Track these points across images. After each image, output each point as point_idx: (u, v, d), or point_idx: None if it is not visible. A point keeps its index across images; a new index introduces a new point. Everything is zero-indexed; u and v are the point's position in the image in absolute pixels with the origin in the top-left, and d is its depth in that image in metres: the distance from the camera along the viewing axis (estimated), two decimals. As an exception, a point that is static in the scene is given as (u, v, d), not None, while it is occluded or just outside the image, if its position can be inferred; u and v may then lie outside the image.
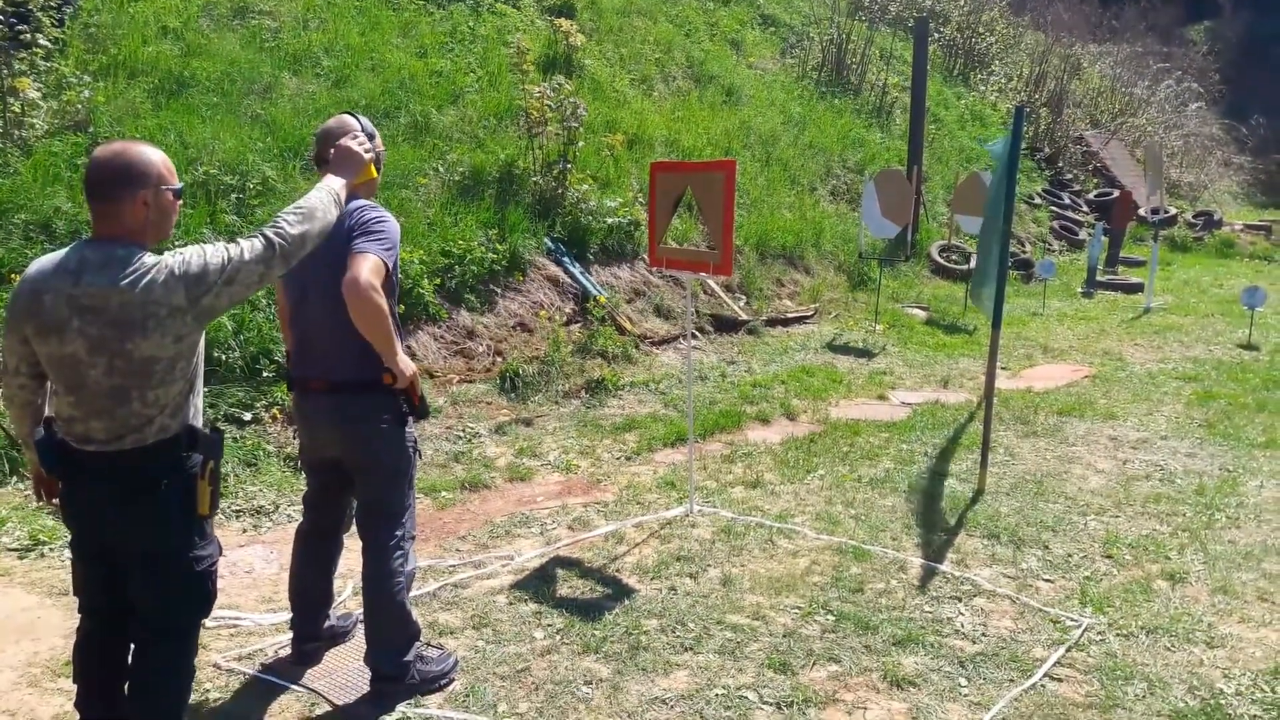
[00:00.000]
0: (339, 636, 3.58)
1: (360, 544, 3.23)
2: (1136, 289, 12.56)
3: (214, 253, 2.32)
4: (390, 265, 2.96)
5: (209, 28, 8.53)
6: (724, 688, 3.32)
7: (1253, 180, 26.96)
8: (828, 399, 7.24)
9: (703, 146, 10.90)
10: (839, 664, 3.51)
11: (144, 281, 2.23)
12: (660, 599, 3.98)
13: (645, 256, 8.53)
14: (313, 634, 3.46)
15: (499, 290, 7.53)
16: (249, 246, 2.35)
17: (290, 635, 3.51)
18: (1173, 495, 5.31)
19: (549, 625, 3.75)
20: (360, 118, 3.13)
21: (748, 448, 6.08)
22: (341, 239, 2.88)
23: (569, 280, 8.11)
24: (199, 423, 2.46)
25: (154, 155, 2.34)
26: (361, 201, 3.05)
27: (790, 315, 9.68)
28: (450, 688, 3.31)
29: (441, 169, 8.17)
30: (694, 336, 8.74)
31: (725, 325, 9.02)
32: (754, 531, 4.72)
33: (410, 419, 3.17)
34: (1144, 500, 5.23)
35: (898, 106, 14.92)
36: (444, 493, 5.18)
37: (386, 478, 3.19)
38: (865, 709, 3.24)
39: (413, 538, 3.29)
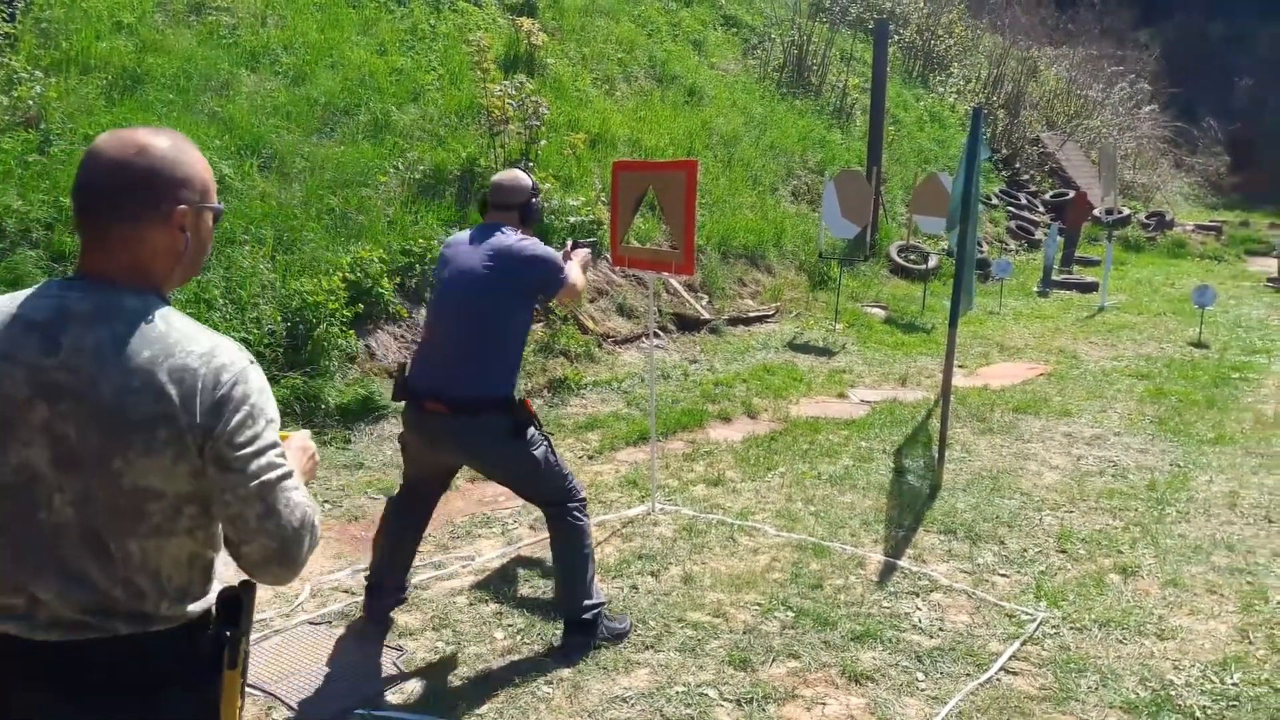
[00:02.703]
0: (403, 600, 3.84)
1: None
2: (1091, 288, 12.78)
3: (266, 412, 1.52)
4: None
5: (164, 23, 8.39)
6: (684, 685, 3.34)
7: (1203, 181, 27.52)
8: (788, 397, 7.30)
9: (665, 146, 10.92)
10: (798, 660, 3.54)
11: (173, 360, 1.45)
12: (621, 597, 3.99)
13: (608, 256, 8.55)
14: (399, 585, 3.77)
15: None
16: (302, 500, 1.54)
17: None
18: (1125, 490, 5.42)
19: (510, 625, 3.75)
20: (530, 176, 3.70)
21: (709, 446, 6.11)
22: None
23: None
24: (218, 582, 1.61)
25: (195, 155, 1.56)
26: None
27: (752, 314, 9.74)
28: (407, 688, 3.29)
29: (402, 167, 8.11)
30: (657, 335, 8.76)
31: (688, 324, 9.05)
32: (715, 529, 4.75)
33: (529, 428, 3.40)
34: (1097, 495, 5.32)
35: (858, 108, 15.05)
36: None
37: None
38: (824, 704, 3.28)
39: (583, 499, 3.58)
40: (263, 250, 6.65)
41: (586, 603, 3.50)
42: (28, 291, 1.53)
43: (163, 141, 1.52)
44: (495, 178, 3.59)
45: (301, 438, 1.77)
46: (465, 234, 3.54)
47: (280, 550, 1.50)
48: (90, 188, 1.50)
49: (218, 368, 1.47)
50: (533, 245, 3.43)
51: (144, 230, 1.50)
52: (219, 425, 1.45)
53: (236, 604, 1.57)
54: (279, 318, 6.23)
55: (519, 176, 3.58)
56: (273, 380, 5.87)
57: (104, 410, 1.42)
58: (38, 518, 1.45)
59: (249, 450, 1.47)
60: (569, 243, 3.96)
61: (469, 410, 3.26)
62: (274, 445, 1.50)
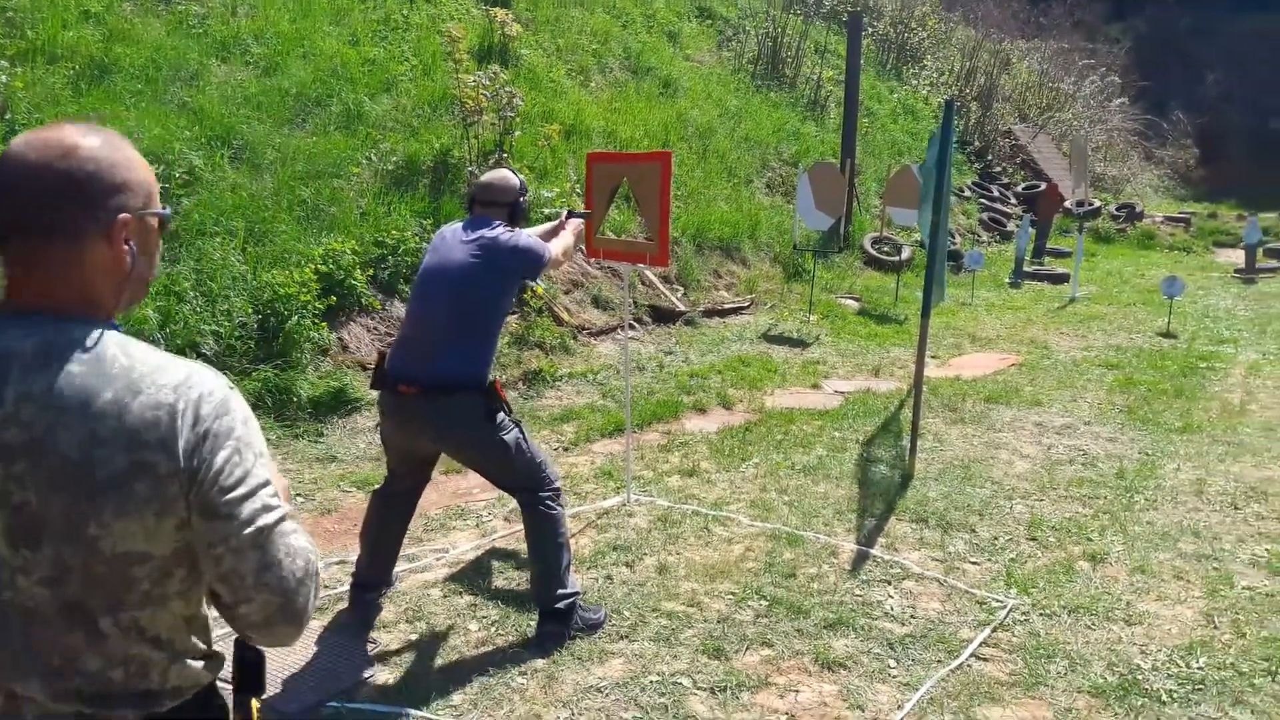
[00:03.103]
0: (388, 594, 3.85)
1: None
2: (1062, 279, 12.89)
3: (255, 457, 1.31)
4: None
5: (132, 12, 8.28)
6: (658, 674, 3.35)
7: (1173, 174, 27.81)
8: (763, 388, 7.32)
9: (640, 138, 10.91)
10: (771, 648, 3.56)
11: (143, 398, 1.24)
12: (596, 588, 3.99)
13: (583, 247, 8.54)
14: (384, 579, 3.79)
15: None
16: (304, 545, 1.35)
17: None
18: (1094, 479, 5.48)
19: (484, 617, 3.75)
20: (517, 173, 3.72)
21: (685, 437, 6.13)
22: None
23: (505, 271, 8.06)
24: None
25: (133, 154, 1.33)
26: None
27: (727, 306, 9.76)
28: (381, 680, 3.29)
29: (375, 158, 8.06)
30: (632, 327, 8.76)
31: (663, 316, 9.06)
32: (690, 519, 4.76)
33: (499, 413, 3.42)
34: (1067, 484, 5.38)
35: (832, 100, 15.09)
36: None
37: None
38: (797, 691, 3.30)
39: (557, 488, 3.58)
40: (234, 242, 6.59)
41: (560, 592, 3.50)
42: None
43: (93, 140, 1.27)
44: (484, 177, 3.67)
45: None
46: (457, 224, 3.60)
47: (284, 606, 1.29)
48: (11, 202, 1.24)
49: (196, 399, 1.25)
50: (518, 235, 3.50)
51: (82, 247, 1.26)
52: (204, 467, 1.24)
53: (257, 666, 1.42)
54: (250, 310, 6.18)
55: (508, 176, 3.65)
56: (244, 373, 5.87)
57: (68, 468, 1.20)
58: (0, 602, 1.23)
59: (239, 493, 1.26)
60: (565, 211, 4.12)
61: (442, 390, 3.28)
62: (265, 483, 1.29)
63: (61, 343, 1.24)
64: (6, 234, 1.26)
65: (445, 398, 3.29)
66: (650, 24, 14.04)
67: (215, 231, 6.59)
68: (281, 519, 1.31)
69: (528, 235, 3.54)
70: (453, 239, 3.48)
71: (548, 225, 4.06)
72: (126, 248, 1.30)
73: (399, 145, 8.30)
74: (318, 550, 1.40)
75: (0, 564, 1.23)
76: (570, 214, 4.07)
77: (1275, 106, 30.11)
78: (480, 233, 3.45)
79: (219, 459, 1.25)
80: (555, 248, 3.66)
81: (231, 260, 6.44)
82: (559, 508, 3.55)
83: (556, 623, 3.50)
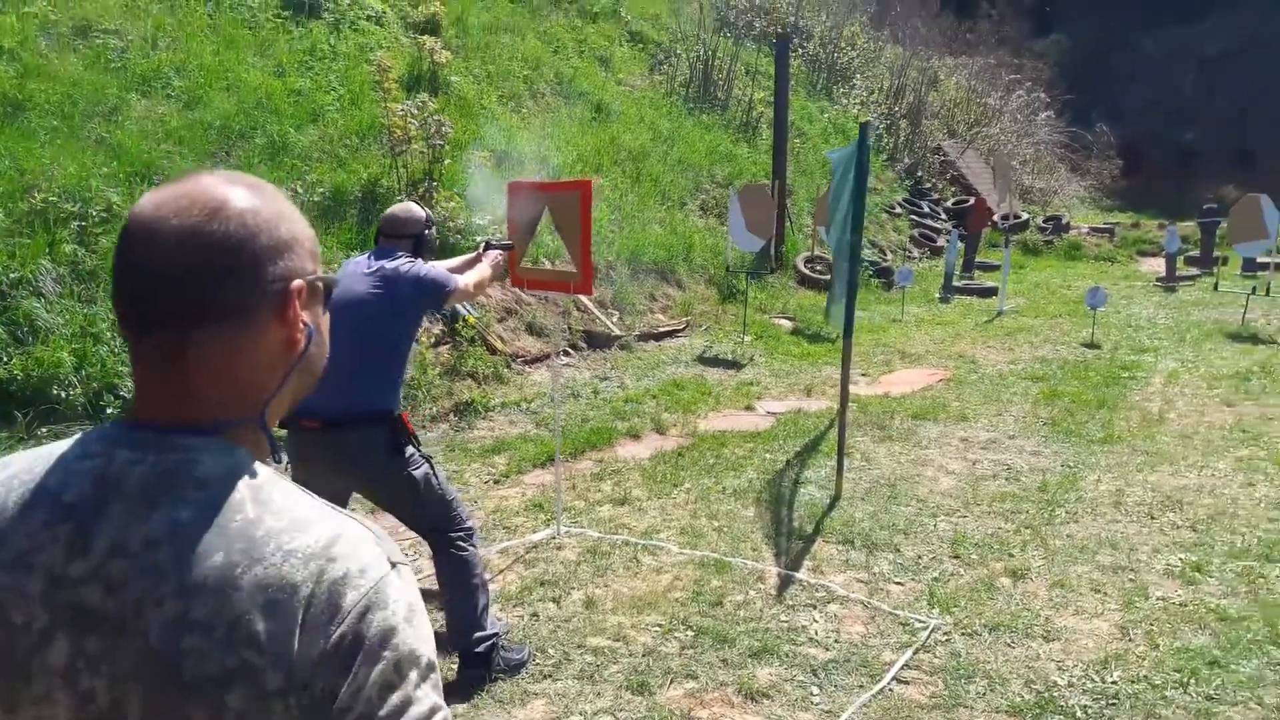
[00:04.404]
0: None
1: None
2: (991, 293, 13.17)
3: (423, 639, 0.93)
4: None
5: (48, 48, 8.11)
6: (581, 714, 3.34)
7: (1098, 185, 28.62)
8: (697, 411, 7.36)
9: (573, 163, 10.95)
10: (696, 680, 3.57)
11: (260, 570, 0.87)
12: (522, 626, 3.97)
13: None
14: None
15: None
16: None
17: None
18: (1017, 493, 5.60)
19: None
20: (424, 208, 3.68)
21: (618, 464, 6.13)
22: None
23: (436, 301, 8.01)
24: None
25: (290, 205, 1.05)
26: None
27: (662, 330, 9.81)
28: None
29: (301, 189, 7.97)
30: (567, 353, 8.76)
31: (598, 341, 9.07)
32: (619, 550, 4.76)
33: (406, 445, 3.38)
34: (990, 499, 5.49)
35: (764, 121, 15.28)
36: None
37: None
38: (720, 724, 3.31)
39: (469, 528, 3.55)
40: (154, 280, 6.46)
41: (478, 635, 3.48)
42: (62, 446, 0.97)
43: (240, 191, 0.97)
44: (389, 210, 3.66)
45: None
46: (361, 257, 3.58)
47: None
48: (148, 283, 0.93)
49: (337, 581, 0.88)
50: (418, 266, 3.48)
51: (242, 328, 0.95)
52: (341, 688, 0.86)
53: None
54: (171, 350, 6.06)
55: (412, 209, 3.63)
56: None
57: (150, 657, 0.86)
58: None
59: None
60: (483, 243, 4.12)
61: (345, 424, 3.25)
62: (433, 712, 0.90)
63: (181, 473, 0.91)
64: (144, 326, 0.94)
65: (350, 431, 3.26)
66: (582, 49, 14.12)
67: (134, 270, 6.45)
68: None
69: (429, 266, 3.51)
70: (355, 271, 3.46)
71: (466, 257, 4.06)
72: (301, 323, 0.99)
73: (326, 176, 8.23)
74: None
75: None
76: (488, 245, 4.08)
77: (1192, 118, 31.18)
78: (381, 264, 3.43)
79: (368, 681, 0.87)
80: (468, 279, 3.65)
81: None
82: (471, 548, 3.52)
83: (476, 666, 3.48)
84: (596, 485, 5.76)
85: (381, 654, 0.87)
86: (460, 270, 3.81)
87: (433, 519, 3.46)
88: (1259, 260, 12.84)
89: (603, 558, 4.67)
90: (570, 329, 8.91)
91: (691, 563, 4.62)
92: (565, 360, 8.64)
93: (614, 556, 4.69)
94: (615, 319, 9.60)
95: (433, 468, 3.45)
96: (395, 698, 0.87)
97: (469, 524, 3.55)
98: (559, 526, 5.02)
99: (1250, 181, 12.66)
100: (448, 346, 7.68)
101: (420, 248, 3.58)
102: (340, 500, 3.65)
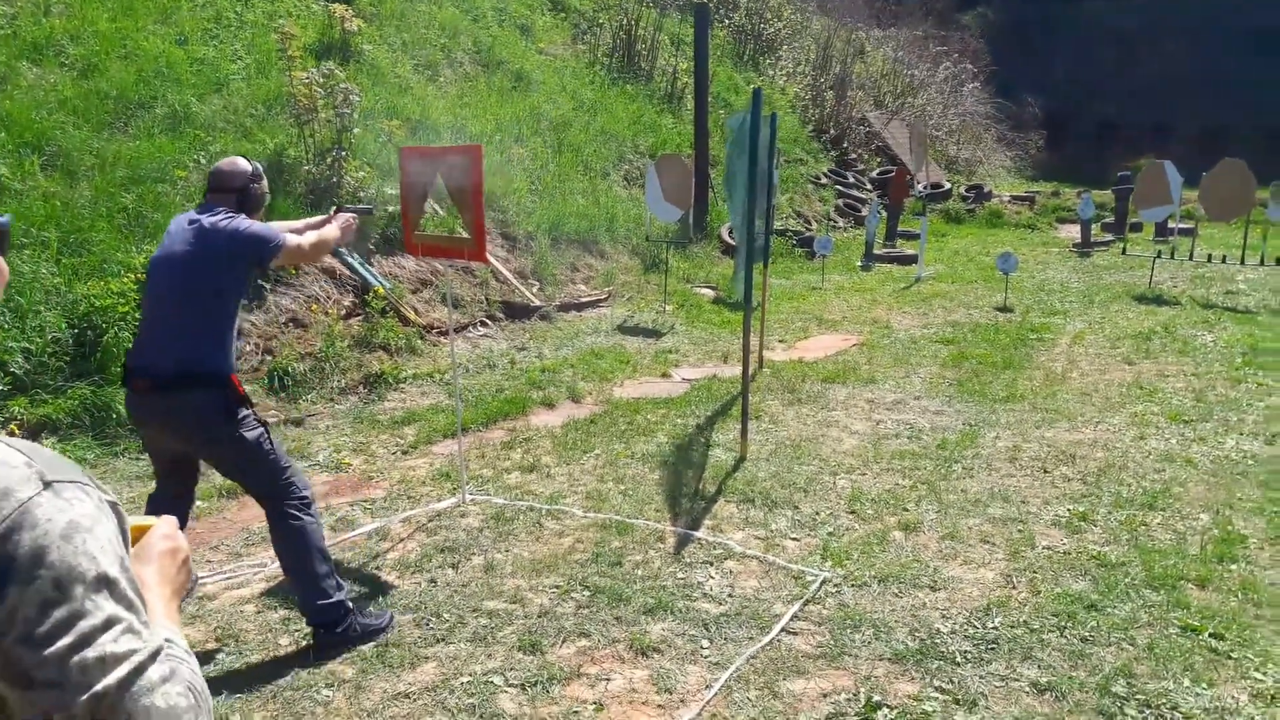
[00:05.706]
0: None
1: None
2: (911, 260, 13.36)
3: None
4: None
5: (-72, 12, 7.77)
6: (470, 675, 3.35)
7: (1023, 155, 29.15)
8: (614, 380, 7.37)
9: (492, 132, 10.83)
10: (588, 638, 3.60)
11: None
12: (418, 593, 3.96)
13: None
14: None
15: (268, 285, 7.23)
16: (178, 697, 0.95)
17: None
18: (917, 451, 5.71)
19: (297, 631, 3.66)
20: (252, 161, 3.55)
21: (529, 433, 6.12)
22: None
23: (347, 272, 7.90)
24: None
25: None
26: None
27: (584, 300, 9.78)
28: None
29: (203, 160, 7.76)
30: (484, 324, 8.70)
31: (517, 312, 9.02)
32: (523, 516, 4.77)
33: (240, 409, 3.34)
34: (890, 457, 5.59)
35: (688, 92, 15.24)
36: (199, 501, 4.95)
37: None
38: (608, 680, 3.34)
39: (305, 497, 3.48)
40: (46, 253, 6.26)
41: (321, 603, 3.43)
42: None
43: None
44: (216, 164, 3.58)
45: (162, 532, 1.16)
46: (185, 215, 3.51)
47: None
48: None
49: None
50: (237, 220, 3.40)
51: None
52: None
53: None
54: (64, 325, 5.89)
55: (237, 162, 3.56)
56: (58, 391, 5.60)
57: None
58: None
59: (61, 646, 0.88)
60: (334, 207, 4.06)
61: (178, 386, 3.21)
62: (109, 623, 0.90)
63: None
64: None
65: (181, 394, 3.21)
66: (502, 17, 13.93)
67: (25, 243, 6.24)
68: (137, 669, 0.91)
69: (250, 222, 3.42)
70: (177, 228, 3.39)
71: (318, 218, 3.99)
72: None
73: (230, 146, 8.02)
74: (207, 697, 1.00)
75: None
76: (339, 209, 3.99)
77: (1113, 92, 31.89)
78: (201, 219, 3.37)
79: (21, 601, 0.87)
80: (306, 239, 3.57)
81: (43, 273, 6.12)
82: (308, 517, 3.46)
83: (329, 633, 3.44)
84: (506, 454, 5.75)
85: (35, 574, 0.88)
86: (305, 231, 3.73)
87: (266, 486, 3.41)
88: (1167, 225, 13.22)
89: (506, 523, 4.66)
90: (488, 300, 8.85)
91: (595, 525, 4.64)
92: (483, 331, 8.58)
93: (517, 522, 4.69)
94: (535, 289, 9.55)
95: (268, 433, 3.40)
96: (59, 613, 0.88)
97: (305, 493, 3.49)
98: (464, 494, 5.00)
99: (1167, 153, 13.00)
100: (359, 319, 7.57)
101: (245, 202, 3.50)
102: (187, 464, 3.58)
